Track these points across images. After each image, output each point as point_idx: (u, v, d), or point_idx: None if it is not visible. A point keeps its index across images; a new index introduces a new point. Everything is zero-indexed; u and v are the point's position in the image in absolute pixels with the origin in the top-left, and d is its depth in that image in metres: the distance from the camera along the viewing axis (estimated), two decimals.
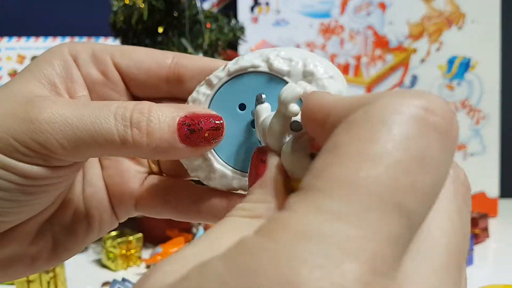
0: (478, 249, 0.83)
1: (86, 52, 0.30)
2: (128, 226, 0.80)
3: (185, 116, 0.27)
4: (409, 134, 0.16)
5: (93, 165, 0.32)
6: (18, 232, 0.29)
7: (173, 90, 0.31)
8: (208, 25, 0.84)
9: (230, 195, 0.30)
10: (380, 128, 0.16)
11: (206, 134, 0.27)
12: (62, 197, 0.30)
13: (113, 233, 0.79)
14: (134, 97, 0.31)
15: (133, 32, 0.83)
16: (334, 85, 0.28)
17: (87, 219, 0.31)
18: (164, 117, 0.26)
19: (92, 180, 0.32)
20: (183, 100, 0.30)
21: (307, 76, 0.27)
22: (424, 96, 0.17)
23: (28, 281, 0.68)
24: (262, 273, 0.14)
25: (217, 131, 0.27)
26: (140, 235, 0.80)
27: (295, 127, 0.24)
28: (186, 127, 0.27)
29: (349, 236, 0.15)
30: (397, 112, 0.16)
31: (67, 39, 0.98)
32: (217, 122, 0.27)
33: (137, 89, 0.31)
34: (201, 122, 0.27)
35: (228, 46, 0.88)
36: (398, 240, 0.15)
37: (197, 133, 0.27)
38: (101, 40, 1.00)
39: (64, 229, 0.31)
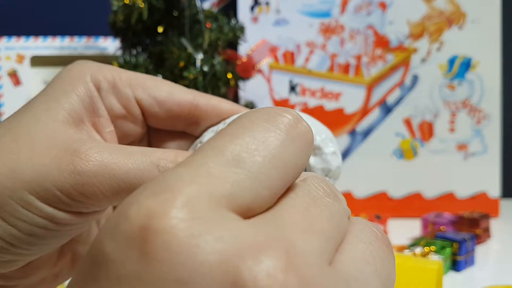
0: (479, 249, 0.83)
1: (107, 81, 0.30)
2: None
3: None
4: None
5: None
6: (43, 259, 0.30)
7: (188, 128, 0.32)
8: (208, 25, 0.84)
9: None
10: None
11: None
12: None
13: None
14: (149, 127, 0.33)
15: (133, 32, 0.83)
16: (335, 161, 0.30)
17: None
18: None
19: None
20: (195, 137, 0.32)
21: (315, 149, 0.30)
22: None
23: None
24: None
25: None
26: None
27: None
28: None
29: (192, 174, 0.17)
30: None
31: (67, 39, 0.98)
32: None
33: (155, 123, 0.32)
34: None
35: (228, 45, 0.88)
36: (229, 180, 0.17)
37: None
38: (101, 39, 1.00)
39: (82, 244, 0.32)
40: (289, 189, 0.20)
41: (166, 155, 0.27)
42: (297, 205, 0.19)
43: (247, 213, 0.18)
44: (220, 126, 0.31)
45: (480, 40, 1.04)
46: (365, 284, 0.18)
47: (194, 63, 0.76)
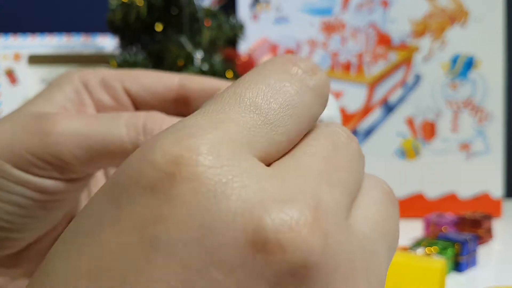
0: (482, 250, 0.83)
1: (96, 78, 0.31)
2: None
3: None
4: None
5: (98, 180, 0.33)
6: (32, 250, 0.30)
7: (180, 110, 0.33)
8: (208, 23, 0.84)
9: None
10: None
11: None
12: (71, 212, 0.31)
13: None
14: None
15: (131, 30, 0.83)
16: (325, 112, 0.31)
17: None
18: None
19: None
20: None
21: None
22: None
23: None
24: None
25: None
26: None
27: None
28: None
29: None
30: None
31: (64, 37, 0.98)
32: None
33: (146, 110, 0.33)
34: None
35: (227, 44, 0.88)
36: (251, 128, 0.18)
37: None
38: (99, 38, 1.00)
39: None
40: (308, 135, 0.21)
41: (136, 115, 0.28)
42: (318, 152, 0.19)
43: (267, 159, 0.18)
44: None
45: (483, 38, 1.04)
46: (376, 244, 0.19)
47: (193, 62, 0.76)
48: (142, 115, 0.28)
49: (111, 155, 0.27)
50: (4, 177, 0.26)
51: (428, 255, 0.70)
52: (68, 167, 0.27)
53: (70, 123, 0.27)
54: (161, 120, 0.28)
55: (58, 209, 0.29)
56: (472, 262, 0.75)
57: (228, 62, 0.85)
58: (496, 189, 1.05)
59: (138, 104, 0.32)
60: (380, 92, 1.06)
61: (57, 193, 0.27)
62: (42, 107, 0.29)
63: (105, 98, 0.31)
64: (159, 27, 0.82)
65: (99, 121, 0.27)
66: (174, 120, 0.28)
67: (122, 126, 0.27)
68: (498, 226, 0.96)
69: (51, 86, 0.30)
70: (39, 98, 0.29)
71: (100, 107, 0.31)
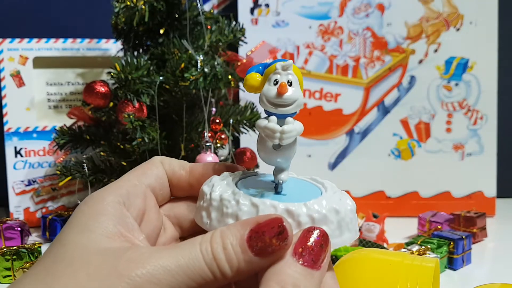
0: (476, 248, 0.84)
1: (127, 196, 0.34)
2: None
3: (251, 231, 0.29)
4: None
5: None
6: None
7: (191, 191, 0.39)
8: (209, 27, 0.85)
9: None
10: None
11: (274, 241, 0.29)
12: None
13: None
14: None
15: (134, 33, 0.84)
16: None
17: None
18: (235, 239, 0.29)
19: None
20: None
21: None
22: None
23: None
24: None
25: (281, 234, 0.29)
26: None
27: None
28: (254, 241, 0.29)
29: None
30: None
31: (69, 40, 0.99)
32: (279, 225, 0.29)
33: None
34: (265, 232, 0.29)
35: (228, 47, 0.88)
36: None
37: (266, 244, 0.29)
38: (103, 41, 1.01)
39: None
40: None
41: (205, 238, 0.30)
42: None
43: None
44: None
45: (477, 41, 1.05)
46: None
47: (195, 65, 0.76)
48: (208, 237, 0.30)
49: (195, 284, 0.28)
50: None
51: (423, 252, 0.70)
52: None
53: (156, 261, 0.28)
54: (221, 237, 0.29)
55: None
56: (466, 260, 0.76)
57: (229, 65, 0.86)
58: (490, 188, 1.06)
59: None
60: (376, 94, 1.07)
61: None
62: (96, 237, 0.30)
63: (141, 206, 0.36)
64: (161, 30, 0.83)
65: (180, 253, 0.29)
66: (230, 228, 0.30)
67: (199, 255, 0.29)
68: (492, 224, 0.97)
69: (91, 214, 0.32)
70: (87, 231, 0.31)
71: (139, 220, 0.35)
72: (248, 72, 0.35)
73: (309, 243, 0.30)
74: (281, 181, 0.35)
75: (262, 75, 0.35)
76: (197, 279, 0.28)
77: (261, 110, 0.88)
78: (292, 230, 0.30)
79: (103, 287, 0.27)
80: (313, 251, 0.29)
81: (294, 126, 0.34)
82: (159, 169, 0.38)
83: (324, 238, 0.30)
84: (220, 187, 0.34)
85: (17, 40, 0.96)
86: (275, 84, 0.33)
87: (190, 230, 0.40)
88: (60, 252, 0.29)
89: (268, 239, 0.29)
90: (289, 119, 0.34)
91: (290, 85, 0.34)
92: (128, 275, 0.27)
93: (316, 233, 0.30)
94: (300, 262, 0.29)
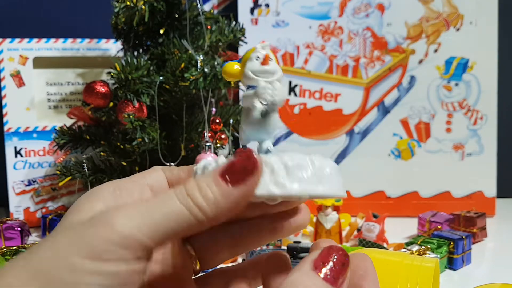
0: (476, 248, 0.84)
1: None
2: None
3: (222, 169, 0.31)
4: None
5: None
6: None
7: None
8: (209, 27, 0.85)
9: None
10: None
11: (244, 167, 0.30)
12: None
13: None
14: None
15: (134, 33, 0.84)
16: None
17: None
18: (208, 179, 0.31)
19: None
20: None
21: None
22: None
23: None
24: None
25: (250, 159, 0.31)
26: None
27: None
28: (226, 174, 0.30)
29: None
30: None
31: (69, 40, 0.99)
32: (248, 154, 0.31)
33: None
34: (235, 163, 0.31)
35: (228, 47, 0.88)
36: None
37: (236, 171, 0.30)
38: (103, 41, 1.01)
39: None
40: None
41: (179, 185, 0.31)
42: None
43: None
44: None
45: (477, 41, 1.05)
46: None
47: (195, 65, 0.76)
48: (181, 185, 0.31)
49: (174, 223, 0.29)
50: (76, 270, 0.27)
51: (423, 252, 0.70)
52: (139, 248, 0.29)
53: (133, 207, 0.29)
54: (196, 182, 0.30)
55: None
56: (466, 260, 0.77)
57: None
58: (490, 188, 1.06)
59: None
60: (376, 94, 1.07)
61: (128, 275, 0.29)
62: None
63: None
64: (161, 30, 0.83)
65: (155, 199, 0.30)
66: (202, 176, 0.31)
67: (174, 196, 0.30)
68: (492, 224, 0.97)
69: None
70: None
71: None
72: (225, 63, 0.38)
73: (330, 260, 0.30)
74: (270, 148, 0.36)
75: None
76: (175, 219, 0.29)
77: None
78: (260, 159, 0.31)
79: (79, 240, 0.28)
80: (334, 268, 0.29)
81: (280, 85, 0.36)
82: (159, 173, 0.38)
83: (345, 257, 0.30)
84: (205, 160, 0.35)
85: (17, 40, 0.96)
86: (257, 60, 0.36)
87: None
88: (52, 231, 0.31)
89: (238, 167, 0.30)
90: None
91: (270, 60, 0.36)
92: (105, 223, 0.28)
93: (338, 251, 0.30)
94: (321, 276, 0.29)
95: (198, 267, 0.37)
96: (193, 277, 0.37)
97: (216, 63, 0.78)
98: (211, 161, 0.34)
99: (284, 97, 0.36)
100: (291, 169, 0.32)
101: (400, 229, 0.95)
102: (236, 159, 0.31)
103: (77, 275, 0.27)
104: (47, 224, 0.89)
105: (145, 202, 0.30)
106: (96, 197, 0.33)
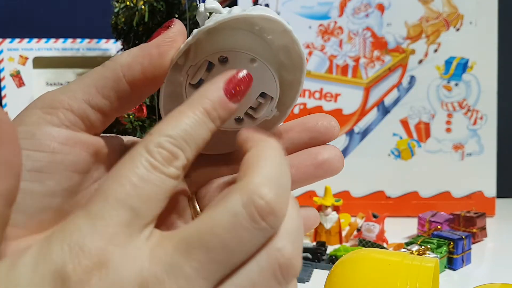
0: (476, 248, 0.84)
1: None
2: None
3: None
4: None
5: None
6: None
7: None
8: None
9: None
10: None
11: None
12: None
13: None
14: None
15: (134, 33, 0.84)
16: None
17: None
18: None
19: None
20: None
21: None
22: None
23: None
24: None
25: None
26: None
27: None
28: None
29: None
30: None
31: (69, 40, 0.99)
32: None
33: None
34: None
35: None
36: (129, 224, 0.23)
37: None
38: (103, 41, 1.01)
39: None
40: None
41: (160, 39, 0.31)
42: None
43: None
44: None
45: (477, 41, 1.05)
46: None
47: None
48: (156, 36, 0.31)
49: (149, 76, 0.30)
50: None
51: (423, 252, 0.70)
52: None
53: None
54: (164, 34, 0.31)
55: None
56: (466, 260, 0.76)
57: None
58: (490, 188, 1.06)
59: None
60: (376, 94, 1.07)
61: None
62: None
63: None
64: None
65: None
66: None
67: (149, 48, 0.30)
68: (491, 224, 0.97)
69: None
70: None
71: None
72: None
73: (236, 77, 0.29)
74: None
75: None
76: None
77: None
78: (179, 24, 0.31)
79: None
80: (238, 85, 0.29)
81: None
82: None
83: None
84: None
85: (17, 40, 0.96)
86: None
87: None
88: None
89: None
90: None
91: None
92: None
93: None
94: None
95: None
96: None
97: None
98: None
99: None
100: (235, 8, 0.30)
101: (400, 229, 0.95)
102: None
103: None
104: None
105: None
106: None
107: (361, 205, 1.05)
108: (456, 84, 1.06)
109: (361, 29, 1.06)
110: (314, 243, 0.82)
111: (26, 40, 0.97)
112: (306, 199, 1.02)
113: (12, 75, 0.96)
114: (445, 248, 0.74)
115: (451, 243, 0.75)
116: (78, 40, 0.99)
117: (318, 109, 1.07)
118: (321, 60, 1.07)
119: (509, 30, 1.17)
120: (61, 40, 0.98)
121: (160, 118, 0.29)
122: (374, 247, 0.79)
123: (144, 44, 0.31)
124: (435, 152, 1.06)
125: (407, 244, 0.76)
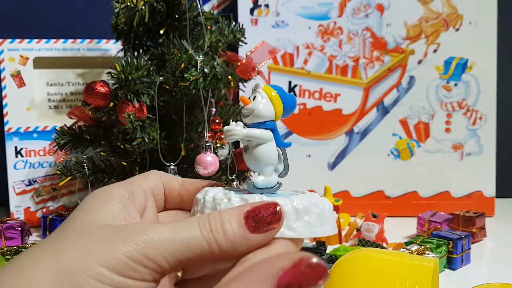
0: (475, 248, 0.84)
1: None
2: None
3: (247, 211, 0.32)
4: None
5: None
6: None
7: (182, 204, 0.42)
8: (209, 27, 0.85)
9: None
10: None
11: (269, 219, 0.32)
12: None
13: None
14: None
15: (135, 34, 0.84)
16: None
17: None
18: (232, 218, 0.32)
19: None
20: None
21: None
22: None
23: None
24: None
25: (275, 214, 0.32)
26: None
27: None
28: (251, 220, 0.32)
29: None
30: None
31: (70, 41, 0.99)
32: (274, 206, 0.33)
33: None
34: (261, 211, 0.32)
35: (228, 47, 0.89)
36: None
37: (261, 221, 0.32)
38: (103, 41, 1.01)
39: None
40: None
41: (202, 216, 0.32)
42: None
43: None
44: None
45: (476, 42, 1.05)
46: None
47: (195, 65, 0.76)
48: (205, 215, 0.32)
49: (192, 254, 0.31)
50: (101, 281, 0.29)
51: (422, 252, 0.70)
52: (158, 269, 0.30)
53: (157, 230, 0.31)
54: (219, 216, 0.32)
55: None
56: (465, 260, 0.77)
57: (228, 65, 0.86)
58: (489, 188, 1.06)
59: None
60: (376, 94, 1.07)
61: None
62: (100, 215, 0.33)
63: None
64: (161, 31, 0.84)
65: (178, 226, 0.32)
66: (228, 210, 0.33)
67: (196, 227, 0.31)
68: (491, 224, 0.98)
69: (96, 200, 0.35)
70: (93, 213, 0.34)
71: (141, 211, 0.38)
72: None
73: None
74: (251, 181, 0.39)
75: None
76: (193, 249, 0.31)
77: None
78: (284, 213, 0.33)
79: (107, 250, 0.29)
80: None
81: (232, 127, 0.39)
82: (157, 177, 0.41)
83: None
84: (213, 191, 0.37)
85: (18, 40, 0.96)
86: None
87: None
88: (68, 227, 0.32)
89: (263, 217, 0.32)
90: (239, 123, 0.40)
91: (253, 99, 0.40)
92: (132, 239, 0.30)
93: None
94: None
95: (180, 275, 0.40)
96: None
97: (216, 63, 0.78)
98: (218, 191, 0.37)
99: (238, 135, 0.39)
100: (300, 214, 0.34)
101: (400, 228, 0.95)
102: (261, 205, 0.32)
103: (102, 286, 0.29)
104: (48, 224, 0.90)
105: (169, 227, 0.31)
106: (108, 199, 0.34)
107: (360, 205, 1.06)
108: (456, 84, 1.06)
109: (361, 29, 1.06)
110: (314, 243, 0.82)
111: (27, 40, 0.97)
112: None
113: (12, 75, 0.96)
114: (444, 247, 0.74)
115: (451, 243, 0.75)
116: (79, 40, 0.99)
117: (318, 109, 1.07)
118: (320, 60, 1.07)
119: (509, 30, 1.18)
120: (61, 40, 0.98)
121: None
122: (374, 247, 0.79)
123: None
124: (435, 152, 1.07)
125: (407, 243, 0.76)
